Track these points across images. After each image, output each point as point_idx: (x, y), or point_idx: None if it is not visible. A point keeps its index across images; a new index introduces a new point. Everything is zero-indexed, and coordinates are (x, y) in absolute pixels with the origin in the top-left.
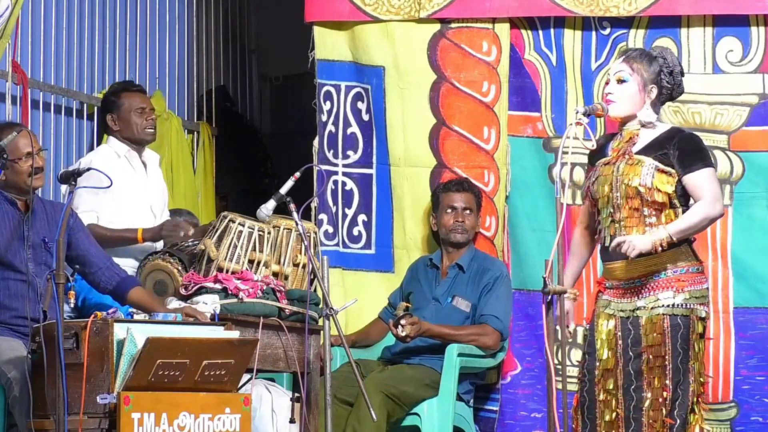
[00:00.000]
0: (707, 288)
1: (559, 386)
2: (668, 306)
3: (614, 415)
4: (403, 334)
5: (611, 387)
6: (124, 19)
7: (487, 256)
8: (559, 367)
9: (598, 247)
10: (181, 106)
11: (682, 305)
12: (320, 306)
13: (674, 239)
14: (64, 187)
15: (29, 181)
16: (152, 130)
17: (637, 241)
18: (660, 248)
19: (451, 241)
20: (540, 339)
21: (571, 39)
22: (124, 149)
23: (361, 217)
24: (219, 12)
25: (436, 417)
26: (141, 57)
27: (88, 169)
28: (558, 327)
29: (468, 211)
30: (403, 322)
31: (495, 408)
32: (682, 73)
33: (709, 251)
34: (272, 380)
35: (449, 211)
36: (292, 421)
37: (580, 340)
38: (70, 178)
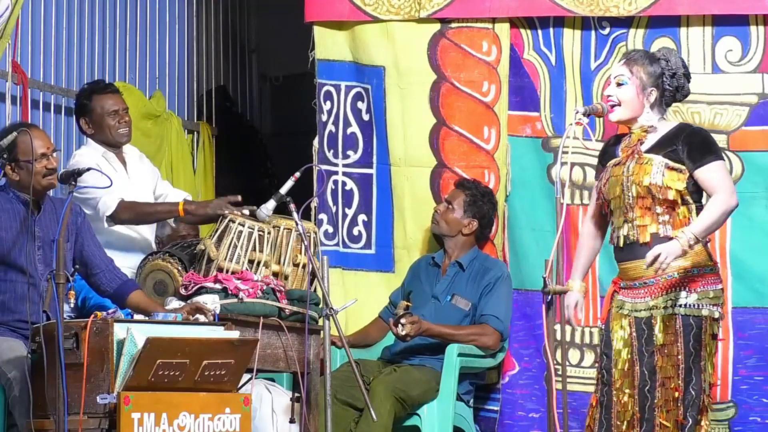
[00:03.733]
0: (721, 289)
1: (559, 386)
2: (680, 306)
3: (631, 416)
4: (403, 333)
5: (628, 389)
6: (124, 19)
7: (489, 257)
8: (558, 367)
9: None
10: (181, 106)
11: (693, 305)
12: (320, 306)
13: (700, 239)
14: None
15: (44, 182)
16: (126, 131)
17: (669, 249)
18: (689, 249)
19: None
20: (538, 339)
21: (571, 39)
22: (101, 151)
23: (361, 217)
24: (219, 12)
25: (436, 417)
26: (141, 57)
27: (89, 169)
28: (558, 327)
29: (448, 205)
30: (403, 321)
31: (495, 408)
32: (687, 76)
33: None
34: (272, 380)
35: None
36: (292, 421)
37: (577, 340)
38: (70, 178)
